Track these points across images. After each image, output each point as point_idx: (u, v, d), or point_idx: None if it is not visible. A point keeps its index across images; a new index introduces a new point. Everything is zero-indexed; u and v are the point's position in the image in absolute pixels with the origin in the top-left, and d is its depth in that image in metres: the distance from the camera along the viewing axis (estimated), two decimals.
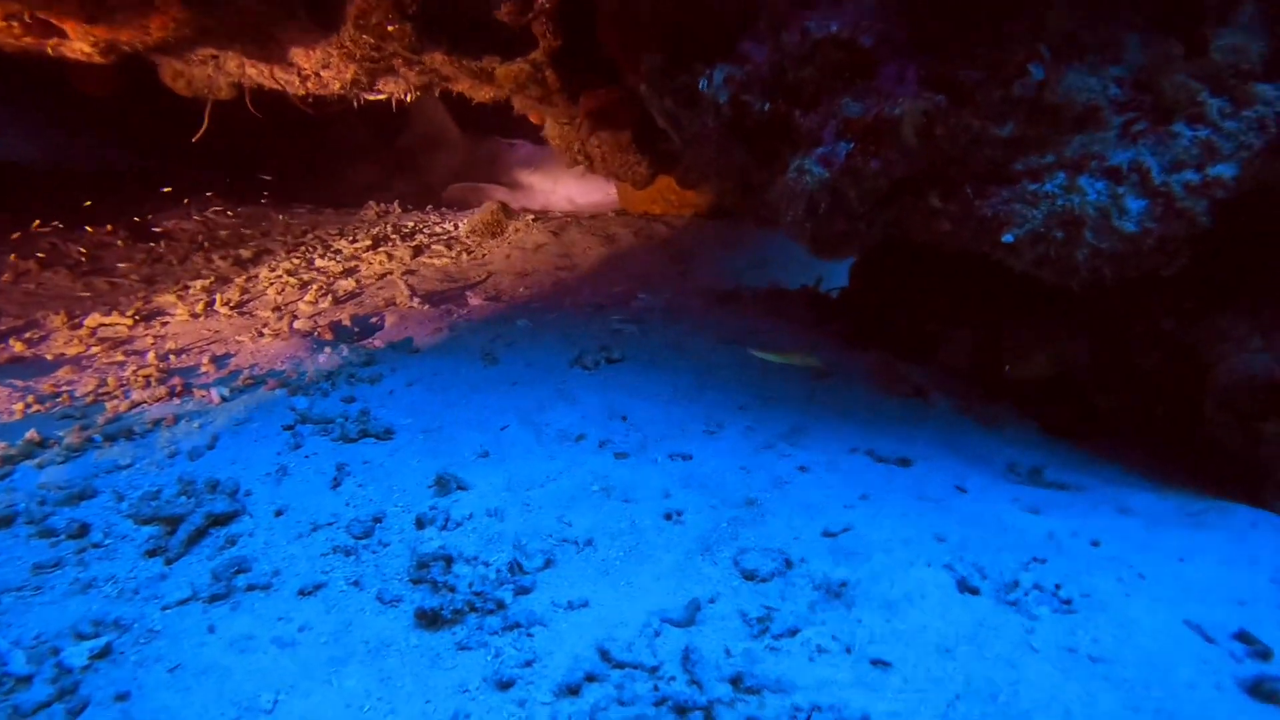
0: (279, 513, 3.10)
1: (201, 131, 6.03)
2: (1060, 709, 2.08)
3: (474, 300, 6.16)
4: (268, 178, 9.69)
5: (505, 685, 2.19)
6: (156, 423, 3.90)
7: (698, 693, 2.11)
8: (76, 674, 2.21)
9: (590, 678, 2.19)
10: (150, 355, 4.89)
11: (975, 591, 2.60)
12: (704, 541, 2.89)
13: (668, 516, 3.05)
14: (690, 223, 8.78)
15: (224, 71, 6.32)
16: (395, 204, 9.81)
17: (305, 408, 3.99)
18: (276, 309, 5.92)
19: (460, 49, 5.87)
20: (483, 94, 7.20)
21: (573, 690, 2.16)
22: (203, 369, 4.70)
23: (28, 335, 5.34)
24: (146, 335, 5.39)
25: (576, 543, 2.90)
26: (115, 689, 2.18)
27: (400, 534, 2.97)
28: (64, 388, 4.42)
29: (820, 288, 6.25)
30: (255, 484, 3.31)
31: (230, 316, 5.77)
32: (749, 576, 2.68)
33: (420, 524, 3.00)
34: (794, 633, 2.40)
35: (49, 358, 4.99)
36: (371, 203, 9.82)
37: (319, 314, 5.78)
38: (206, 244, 7.85)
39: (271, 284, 6.52)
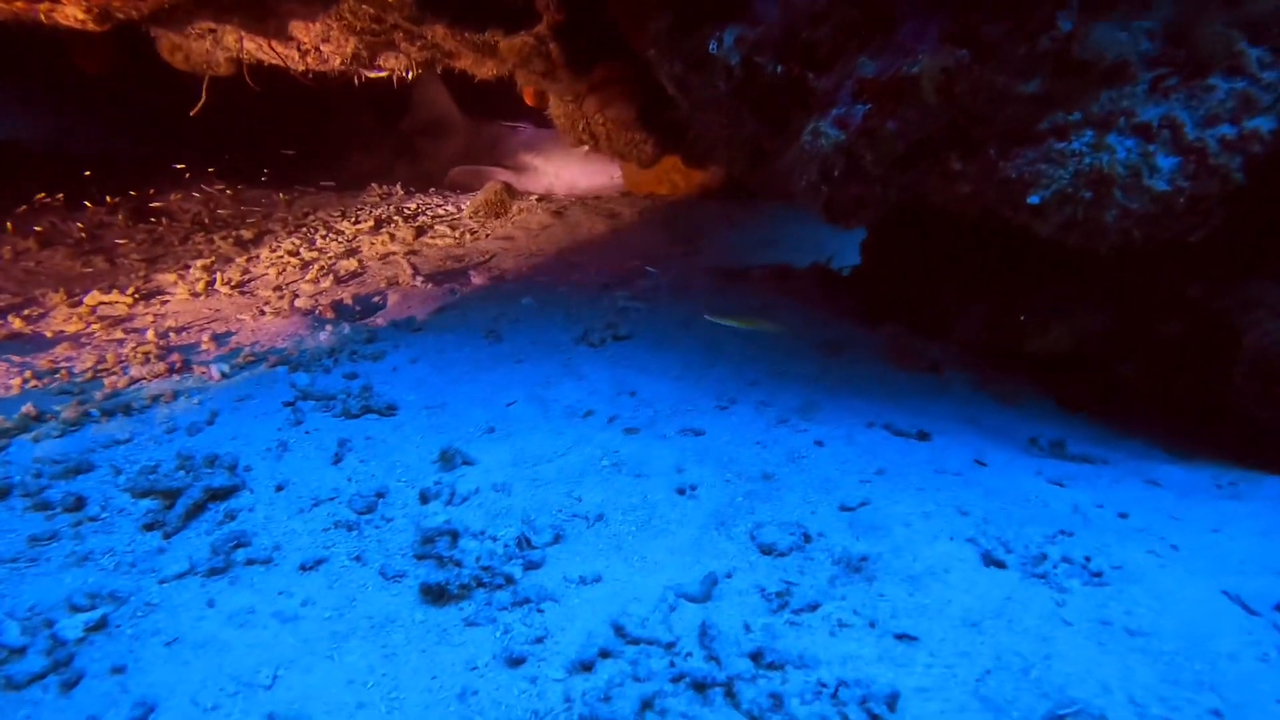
0: (279, 488, 3.01)
1: (199, 106, 5.91)
2: (1097, 682, 1.99)
3: (477, 279, 6.06)
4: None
5: (516, 662, 2.10)
6: (155, 399, 3.81)
7: (716, 669, 2.02)
8: (71, 646, 2.13)
9: (604, 654, 2.10)
10: (150, 333, 4.81)
11: (1001, 565, 2.50)
12: (719, 516, 2.79)
13: (681, 491, 2.96)
14: (696, 203, 8.65)
15: (222, 46, 6.19)
16: (398, 186, 9.69)
17: (306, 384, 3.89)
18: (277, 288, 5.82)
19: (463, 21, 5.74)
20: (485, 70, 7.06)
21: (586, 667, 2.07)
22: (203, 346, 4.61)
23: (26, 312, 5.26)
24: (146, 313, 5.30)
25: (587, 517, 2.80)
26: (111, 662, 2.09)
27: (404, 509, 2.88)
28: (62, 364, 4.34)
29: (830, 265, 6.13)
30: (255, 459, 3.22)
31: (231, 295, 5.68)
32: (766, 551, 2.59)
33: (424, 499, 2.91)
34: (814, 608, 2.30)
35: (48, 334, 4.91)
36: (374, 184, 9.70)
37: (320, 293, 5.68)
38: (208, 223, 7.75)
39: (273, 264, 6.42)
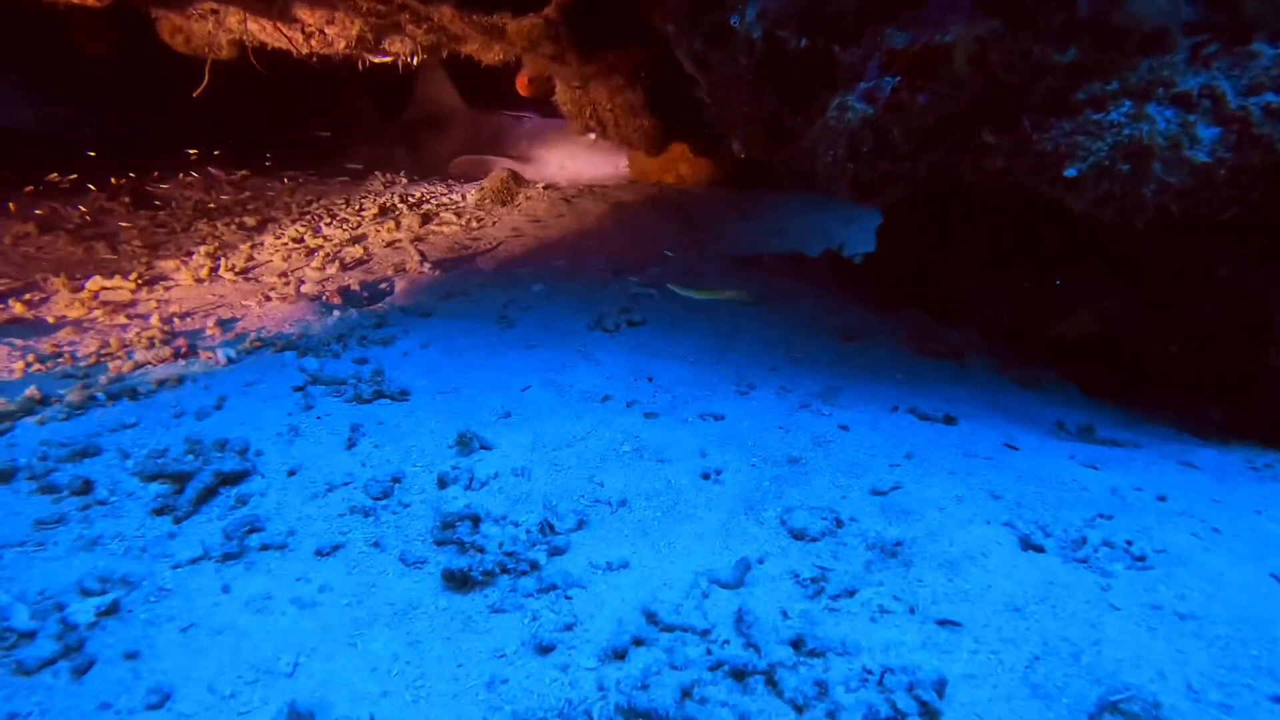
0: (291, 473, 2.93)
1: (201, 88, 5.81)
2: (1151, 668, 1.91)
3: (486, 266, 5.97)
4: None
5: (545, 650, 2.02)
6: (161, 383, 3.72)
7: (755, 656, 1.94)
8: (82, 631, 2.05)
9: (637, 641, 2.02)
10: (154, 318, 4.72)
11: (1040, 549, 2.42)
12: (746, 500, 2.71)
13: (705, 476, 2.88)
14: (706, 192, 8.56)
15: (225, 27, 6.08)
16: (401, 175, 9.59)
17: (316, 369, 3.80)
18: (283, 274, 5.73)
19: (471, 3, 5.63)
20: (493, 54, 6.94)
21: (619, 655, 1.99)
22: (208, 332, 4.52)
23: (27, 297, 5.16)
24: (150, 299, 5.21)
25: (610, 503, 2.72)
26: (124, 647, 2.01)
27: (421, 494, 2.80)
28: (65, 348, 4.25)
29: (843, 253, 6.05)
30: (266, 444, 3.13)
31: (235, 281, 5.59)
32: (798, 536, 2.51)
33: (442, 483, 2.83)
34: (852, 593, 2.22)
35: (50, 319, 4.82)
36: (377, 173, 9.60)
37: (327, 279, 5.59)
38: (211, 209, 7.65)
39: (277, 250, 6.33)
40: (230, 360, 4.03)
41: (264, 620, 2.13)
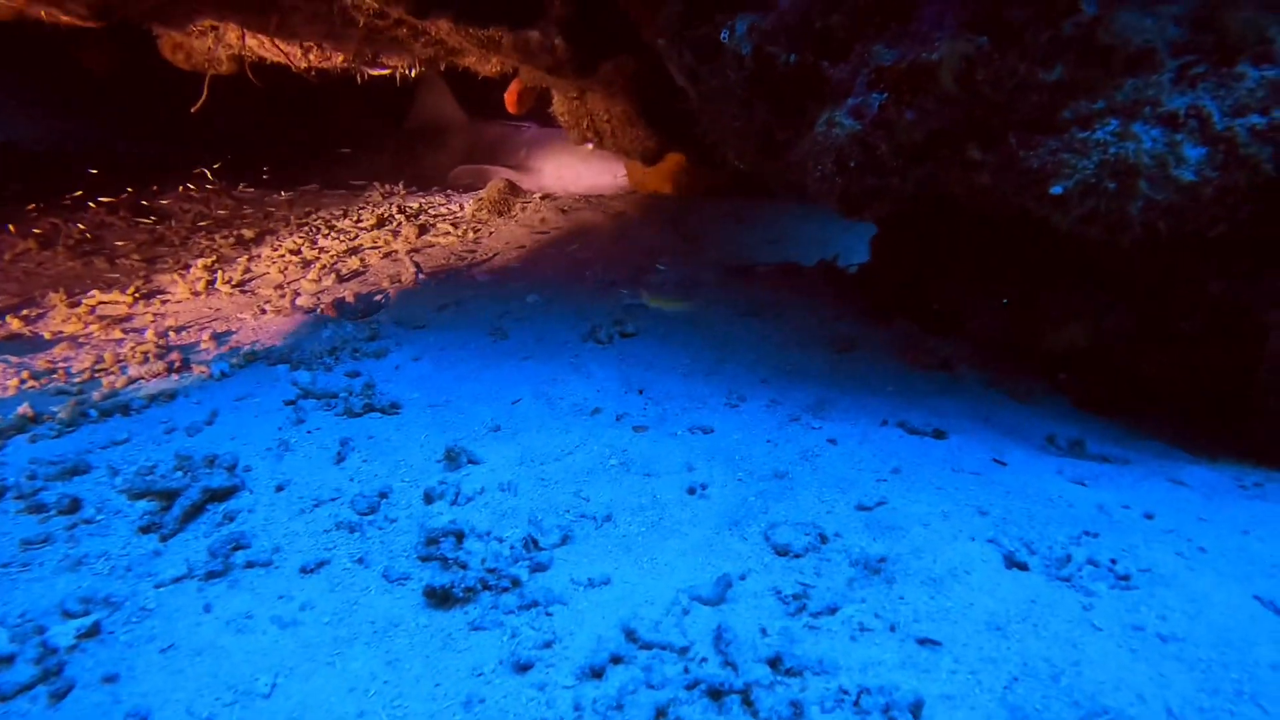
0: (280, 488, 2.94)
1: (200, 104, 5.85)
2: (1131, 691, 1.90)
3: (481, 277, 5.98)
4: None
5: (523, 668, 2.02)
6: (153, 398, 3.74)
7: (733, 675, 1.94)
8: (62, 654, 2.05)
9: (615, 659, 2.02)
10: (149, 332, 4.74)
11: (1024, 567, 2.41)
12: (731, 516, 2.71)
13: (691, 490, 2.88)
14: (702, 201, 8.57)
15: (224, 43, 6.13)
16: (400, 185, 9.63)
17: (308, 383, 3.82)
18: (279, 287, 5.75)
19: (467, 16, 5.67)
20: (490, 66, 7.00)
21: (597, 673, 1.99)
22: (203, 345, 4.54)
23: (25, 313, 5.19)
24: (146, 313, 5.24)
25: (595, 518, 2.72)
26: (103, 670, 2.02)
27: (408, 509, 2.80)
28: (60, 364, 4.27)
29: (837, 263, 6.05)
30: (255, 459, 3.15)
31: (232, 294, 5.61)
32: (781, 552, 2.50)
33: (429, 499, 2.83)
34: (833, 611, 2.22)
35: (46, 335, 4.85)
36: (376, 184, 9.64)
37: (322, 291, 5.61)
38: (209, 222, 7.69)
39: (274, 263, 6.36)
40: (224, 374, 4.04)
41: (244, 640, 2.13)
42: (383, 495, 2.87)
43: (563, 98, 7.56)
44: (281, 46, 6.22)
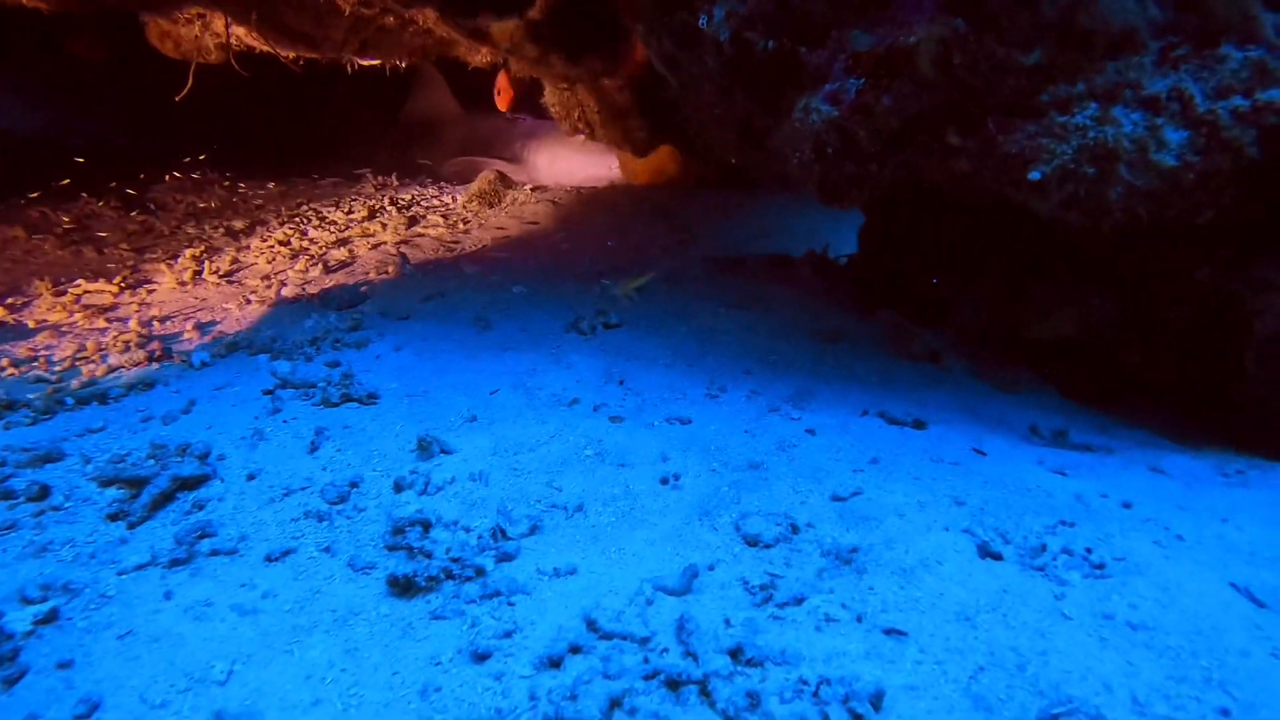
0: (251, 477, 2.91)
1: (185, 91, 5.81)
2: (1097, 680, 1.87)
3: (469, 269, 5.95)
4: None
5: (481, 657, 2.00)
6: (132, 387, 3.72)
7: (693, 665, 1.91)
8: (18, 640, 2.03)
9: (574, 649, 1.99)
10: (133, 322, 4.72)
11: (998, 557, 2.38)
12: (703, 506, 2.68)
13: (664, 481, 2.85)
14: (693, 193, 8.51)
15: (212, 31, 6.09)
16: (393, 177, 9.60)
17: (287, 372, 3.79)
18: (266, 277, 5.73)
19: (452, 5, 5.62)
20: (480, 57, 6.95)
21: (554, 663, 1.96)
22: (186, 335, 4.52)
23: (10, 301, 5.18)
24: (131, 302, 5.22)
25: (566, 508, 2.70)
26: (58, 656, 2.00)
27: (377, 499, 2.78)
28: (42, 352, 4.25)
29: (828, 255, 6.01)
30: (229, 448, 3.12)
31: (218, 285, 5.59)
32: (752, 542, 2.47)
33: (398, 488, 2.81)
34: (800, 601, 2.19)
35: (30, 323, 4.83)
36: (369, 175, 9.61)
37: (308, 282, 5.58)
38: (200, 212, 7.67)
39: (263, 253, 6.33)
40: (204, 364, 4.02)
41: (202, 627, 2.11)
42: (353, 485, 2.84)
43: (553, 89, 7.51)
44: (269, 36, 6.17)
